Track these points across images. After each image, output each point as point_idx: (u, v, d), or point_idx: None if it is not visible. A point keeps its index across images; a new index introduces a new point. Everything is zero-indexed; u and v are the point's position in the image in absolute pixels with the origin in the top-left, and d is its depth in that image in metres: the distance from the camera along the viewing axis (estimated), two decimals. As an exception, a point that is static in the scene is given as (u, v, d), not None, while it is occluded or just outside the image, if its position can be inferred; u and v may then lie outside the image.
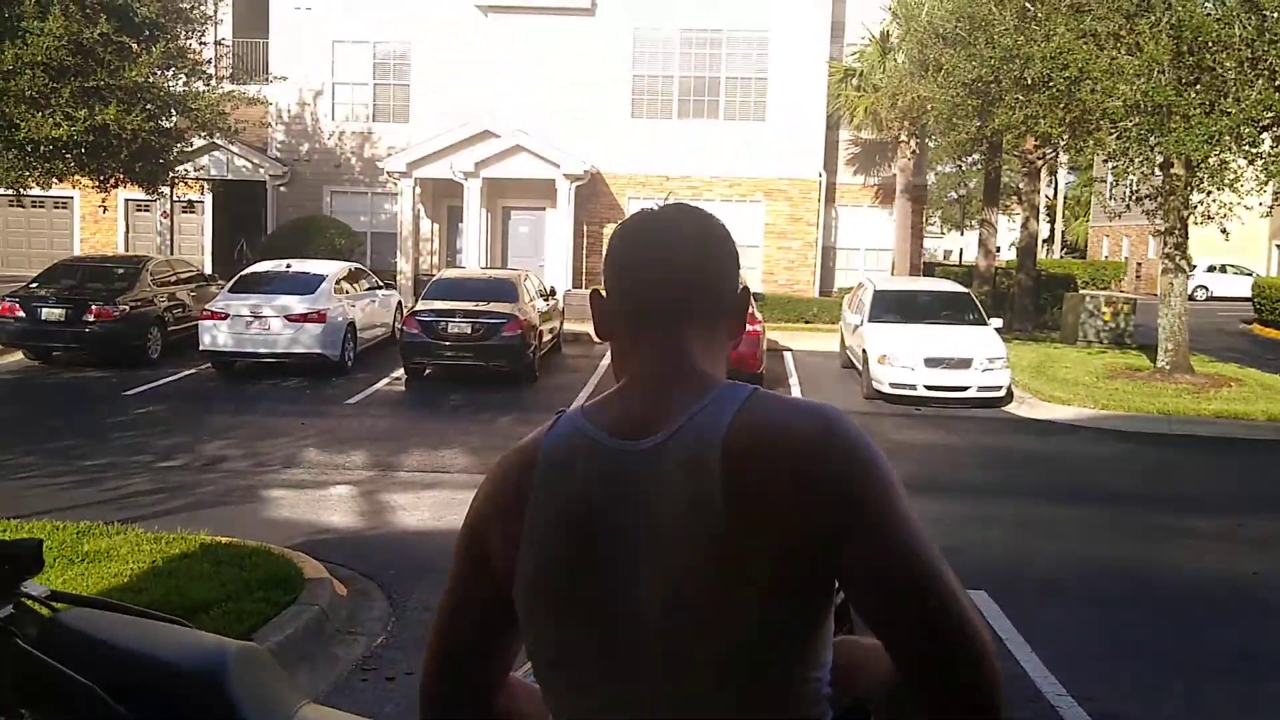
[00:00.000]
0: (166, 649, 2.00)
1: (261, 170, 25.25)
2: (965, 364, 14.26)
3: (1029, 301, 24.44)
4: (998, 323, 16.12)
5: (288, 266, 16.51)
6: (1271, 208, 16.86)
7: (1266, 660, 5.94)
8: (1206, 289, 37.83)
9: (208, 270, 21.48)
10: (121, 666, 1.91)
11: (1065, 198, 55.54)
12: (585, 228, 24.58)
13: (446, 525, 8.00)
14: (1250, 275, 36.12)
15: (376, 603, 6.12)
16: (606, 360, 17.62)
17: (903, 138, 23.76)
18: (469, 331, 14.79)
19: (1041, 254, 38.65)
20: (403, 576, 6.60)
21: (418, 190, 24.02)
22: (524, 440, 1.48)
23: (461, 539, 1.50)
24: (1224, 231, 15.52)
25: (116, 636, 1.98)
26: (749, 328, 15.00)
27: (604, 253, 1.57)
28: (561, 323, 18.75)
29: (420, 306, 15.34)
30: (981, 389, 14.12)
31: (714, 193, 24.23)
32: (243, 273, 16.74)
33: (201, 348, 15.09)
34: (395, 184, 23.98)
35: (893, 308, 15.70)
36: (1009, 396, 14.62)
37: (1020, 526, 8.74)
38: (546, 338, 16.67)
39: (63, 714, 1.88)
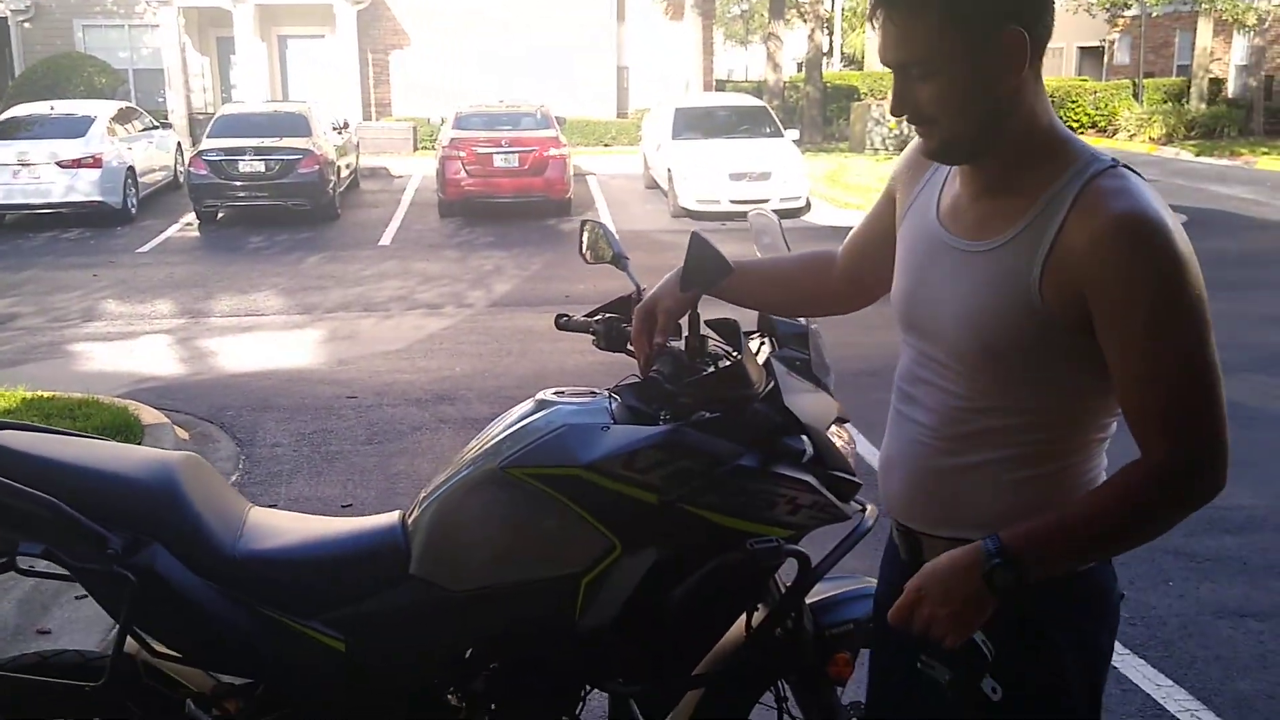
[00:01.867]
0: (112, 463, 1.98)
1: (1, 5, 22.83)
2: (766, 176, 14.64)
3: (817, 113, 25.05)
4: (794, 134, 16.53)
5: (51, 108, 15.24)
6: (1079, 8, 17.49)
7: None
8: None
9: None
10: (73, 482, 1.88)
11: (843, 10, 56.31)
12: (370, 56, 23.48)
13: (274, 366, 7.86)
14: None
15: (222, 443, 6.01)
16: (410, 195, 17.43)
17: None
18: (263, 169, 14.14)
19: (823, 67, 39.27)
20: (243, 416, 6.49)
21: (182, 20, 22.30)
22: None
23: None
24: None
25: (61, 454, 1.95)
26: (554, 152, 15.00)
27: None
28: (357, 157, 18.11)
29: (206, 145, 14.50)
30: (783, 199, 14.54)
31: (510, 14, 23.43)
32: (1, 118, 15.33)
33: (-36, 203, 13.91)
34: (155, 14, 22.18)
35: (693, 125, 15.85)
36: (808, 205, 15.15)
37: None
38: (344, 173, 16.10)
39: (24, 534, 1.85)
